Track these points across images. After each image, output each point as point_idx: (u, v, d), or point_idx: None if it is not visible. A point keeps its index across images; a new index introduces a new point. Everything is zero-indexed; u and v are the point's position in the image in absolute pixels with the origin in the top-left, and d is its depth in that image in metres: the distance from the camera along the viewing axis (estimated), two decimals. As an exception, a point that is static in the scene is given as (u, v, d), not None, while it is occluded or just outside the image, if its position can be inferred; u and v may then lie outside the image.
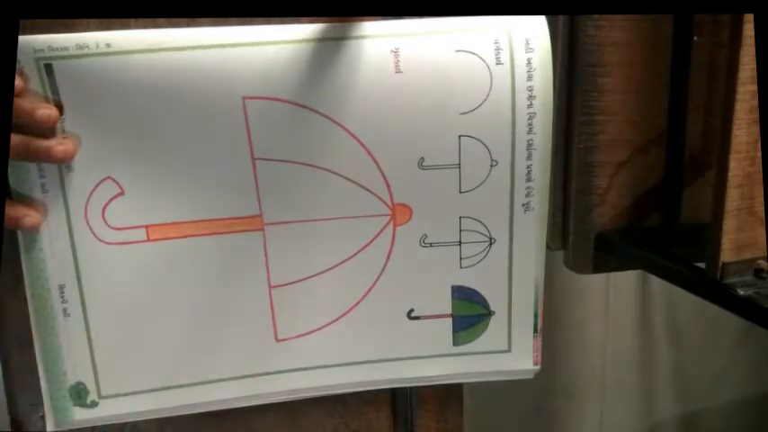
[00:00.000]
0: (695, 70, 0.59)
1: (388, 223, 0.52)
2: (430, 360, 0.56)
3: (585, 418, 1.13)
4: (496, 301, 0.55)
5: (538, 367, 0.58)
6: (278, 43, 0.47)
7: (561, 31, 0.57)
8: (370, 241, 0.53)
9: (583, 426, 1.13)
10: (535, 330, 0.56)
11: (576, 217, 0.61)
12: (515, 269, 0.55)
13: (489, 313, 0.56)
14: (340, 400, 0.59)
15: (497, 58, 0.49)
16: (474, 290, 0.55)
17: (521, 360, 0.57)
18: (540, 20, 0.50)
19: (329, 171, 0.50)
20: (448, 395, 0.62)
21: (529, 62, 0.50)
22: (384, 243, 0.53)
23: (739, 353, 1.20)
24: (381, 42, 0.48)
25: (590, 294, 1.07)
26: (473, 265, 0.54)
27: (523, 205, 0.53)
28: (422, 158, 0.51)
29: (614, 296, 1.09)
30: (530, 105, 0.50)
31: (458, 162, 0.51)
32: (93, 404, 0.53)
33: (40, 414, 0.54)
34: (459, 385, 0.62)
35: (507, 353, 0.57)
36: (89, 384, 0.53)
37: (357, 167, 0.51)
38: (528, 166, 0.52)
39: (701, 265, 0.54)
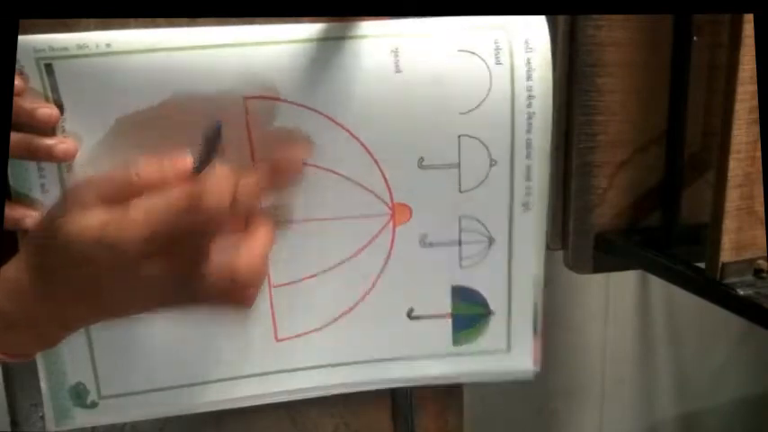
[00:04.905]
0: (695, 70, 0.59)
1: (387, 223, 0.52)
2: (430, 360, 0.56)
3: (585, 418, 1.13)
4: (496, 301, 0.55)
5: (537, 368, 0.58)
6: (278, 43, 0.47)
7: (561, 31, 0.58)
8: (370, 241, 0.53)
9: (583, 425, 1.14)
10: (535, 330, 0.56)
11: (575, 217, 0.61)
12: (515, 269, 0.55)
13: (489, 313, 0.56)
14: (340, 400, 0.59)
15: (497, 58, 0.49)
16: (474, 290, 0.55)
17: (520, 360, 0.57)
18: (539, 20, 0.50)
19: (329, 171, 0.50)
20: (448, 395, 0.62)
21: (528, 62, 0.50)
22: (384, 243, 0.53)
23: (739, 353, 1.20)
24: (381, 42, 0.48)
25: (590, 294, 1.08)
26: (473, 264, 0.54)
27: (523, 204, 0.53)
28: (421, 158, 0.51)
29: (614, 296, 1.09)
30: (529, 105, 0.50)
31: (457, 162, 0.51)
32: (93, 404, 0.53)
33: (40, 414, 0.54)
34: (460, 385, 0.62)
35: (506, 353, 0.57)
36: (89, 384, 0.53)
37: (357, 167, 0.51)
38: (527, 166, 0.52)
39: (701, 265, 0.54)
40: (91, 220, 0.39)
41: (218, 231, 0.41)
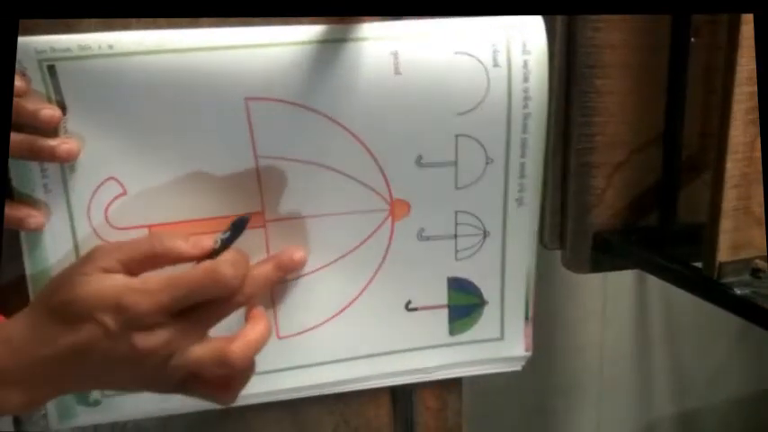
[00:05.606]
0: (692, 71, 0.59)
1: (386, 218, 0.53)
2: (427, 351, 0.57)
3: (583, 417, 1.14)
4: (490, 291, 0.56)
5: (529, 353, 0.59)
6: (279, 45, 0.48)
7: (559, 32, 0.58)
8: (370, 236, 0.53)
9: (581, 424, 1.14)
10: (526, 317, 0.58)
11: (573, 217, 0.62)
12: (508, 260, 0.56)
13: (483, 303, 0.57)
14: (340, 398, 0.60)
15: (495, 60, 0.50)
16: (469, 281, 0.56)
17: (512, 347, 0.58)
18: (537, 22, 0.51)
19: (330, 169, 0.51)
20: (447, 393, 0.62)
21: (525, 64, 0.50)
22: (383, 237, 0.53)
23: (736, 352, 1.21)
24: (381, 44, 0.49)
25: (587, 294, 1.08)
26: (468, 257, 0.55)
27: (516, 200, 0.54)
28: (420, 156, 0.51)
29: (612, 296, 1.10)
30: (525, 106, 0.51)
31: (454, 160, 0.52)
32: (96, 403, 0.53)
33: (43, 412, 0.54)
34: (459, 383, 0.62)
35: (500, 340, 0.58)
36: (91, 383, 0.53)
37: (357, 165, 0.51)
38: (522, 164, 0.53)
39: (699, 264, 0.54)
40: (110, 283, 0.42)
41: (226, 312, 0.45)
